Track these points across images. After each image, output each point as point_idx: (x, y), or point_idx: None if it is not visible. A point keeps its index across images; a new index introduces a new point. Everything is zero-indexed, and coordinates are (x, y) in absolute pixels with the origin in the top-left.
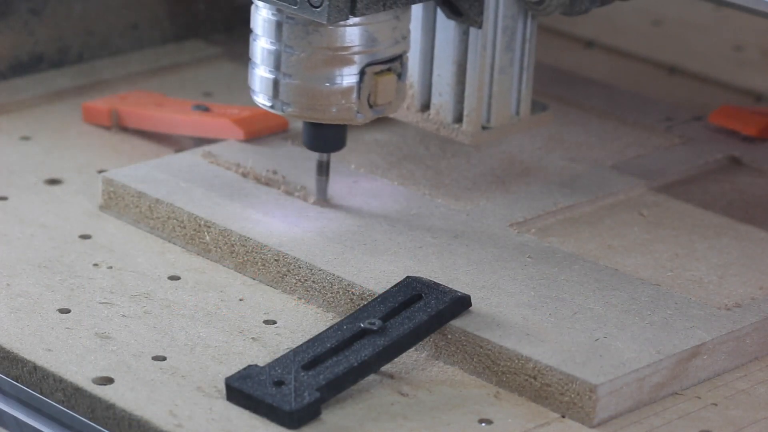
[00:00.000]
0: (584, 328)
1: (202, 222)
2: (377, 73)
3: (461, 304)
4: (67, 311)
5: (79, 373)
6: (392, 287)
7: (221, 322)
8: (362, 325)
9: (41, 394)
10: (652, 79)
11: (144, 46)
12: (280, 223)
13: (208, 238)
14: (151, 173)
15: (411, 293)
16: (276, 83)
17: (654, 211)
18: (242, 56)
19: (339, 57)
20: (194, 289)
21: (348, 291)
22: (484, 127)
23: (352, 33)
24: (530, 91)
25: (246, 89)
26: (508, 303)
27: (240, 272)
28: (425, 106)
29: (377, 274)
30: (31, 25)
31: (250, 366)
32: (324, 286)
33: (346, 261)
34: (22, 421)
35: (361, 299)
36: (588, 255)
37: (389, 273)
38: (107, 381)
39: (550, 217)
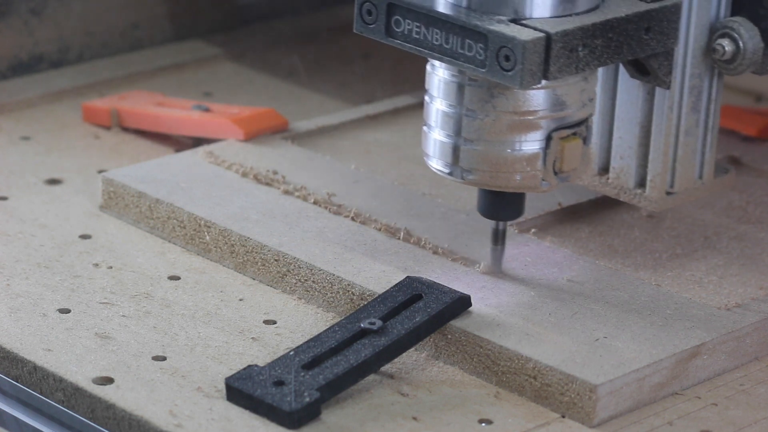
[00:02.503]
0: (584, 328)
1: (202, 222)
2: (563, 138)
3: (461, 304)
4: (67, 311)
5: (79, 373)
6: (392, 287)
7: (221, 322)
8: (362, 325)
9: (41, 394)
10: None
11: (144, 46)
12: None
13: (208, 238)
14: (151, 173)
15: (411, 293)
16: (455, 149)
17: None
18: (242, 56)
19: (525, 122)
20: (194, 289)
21: (348, 291)
22: (667, 193)
23: (540, 96)
24: (714, 154)
25: (246, 89)
26: (508, 303)
27: (240, 272)
28: (604, 169)
29: (377, 274)
30: (31, 25)
31: (250, 366)
32: (324, 286)
33: (346, 261)
34: (22, 421)
35: (361, 299)
36: (588, 255)
37: (389, 273)
38: (107, 381)
39: (550, 217)
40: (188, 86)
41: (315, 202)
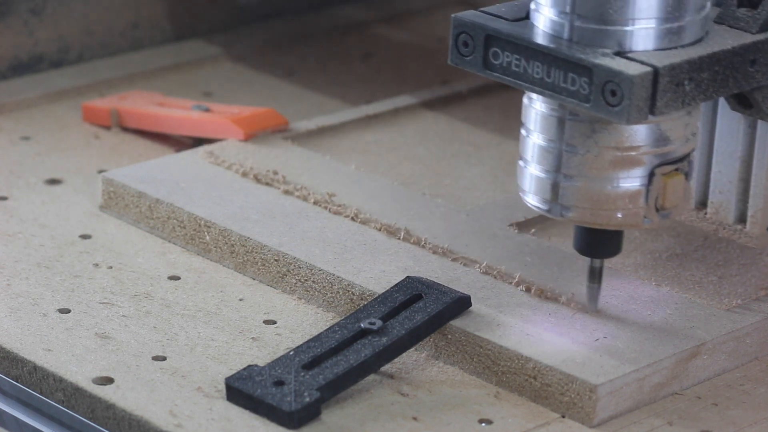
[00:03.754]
0: (584, 328)
1: (202, 222)
2: (666, 175)
3: (461, 304)
4: (67, 311)
5: (79, 373)
6: (392, 287)
7: (221, 322)
8: (362, 325)
9: (41, 394)
10: None
11: (144, 46)
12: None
13: (208, 238)
14: (151, 173)
15: (411, 293)
16: (554, 185)
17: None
18: (242, 56)
19: (628, 157)
20: (194, 289)
21: (348, 291)
22: None
23: (644, 131)
24: None
25: (246, 89)
26: (508, 303)
27: (240, 272)
28: (702, 204)
29: (377, 274)
30: (31, 25)
31: (250, 366)
32: (324, 286)
33: (346, 261)
34: (22, 421)
35: (361, 299)
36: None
37: (389, 273)
38: (107, 381)
39: (550, 217)
40: (188, 86)
41: (315, 202)
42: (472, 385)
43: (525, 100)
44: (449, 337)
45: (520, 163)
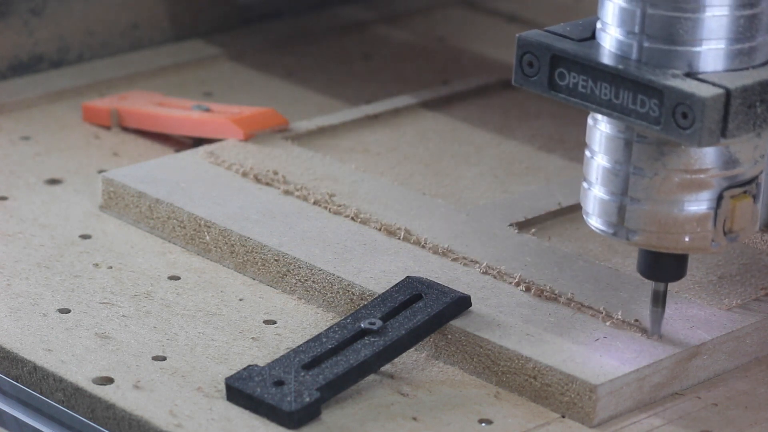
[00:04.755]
0: (584, 328)
1: (202, 222)
2: (734, 197)
3: (461, 304)
4: (67, 311)
5: (79, 373)
6: (392, 287)
7: (221, 322)
8: (362, 325)
9: (41, 394)
10: None
11: (144, 46)
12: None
13: (208, 238)
14: (151, 173)
15: (411, 293)
16: (621, 208)
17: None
18: (242, 56)
19: (697, 180)
20: (194, 289)
21: (348, 291)
22: None
23: (713, 153)
24: None
25: (246, 89)
26: (508, 303)
27: (240, 272)
28: (767, 226)
29: (377, 274)
30: (31, 25)
31: (250, 366)
32: (324, 286)
33: (346, 261)
34: (22, 421)
35: (361, 299)
36: (588, 255)
37: (389, 273)
38: (107, 381)
39: (550, 217)
40: (188, 86)
41: (315, 202)
42: (472, 385)
43: (590, 121)
44: (449, 337)
45: (584, 185)
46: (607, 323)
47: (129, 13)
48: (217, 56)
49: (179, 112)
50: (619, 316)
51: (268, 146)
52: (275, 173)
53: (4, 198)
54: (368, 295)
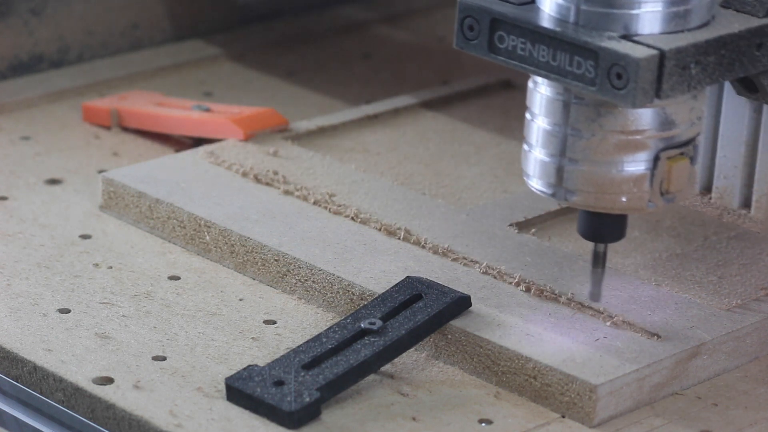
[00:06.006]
0: (584, 328)
1: (202, 222)
2: (671, 159)
3: (461, 304)
4: (67, 311)
5: (79, 373)
6: (392, 287)
7: (221, 322)
8: (362, 325)
9: (41, 394)
10: None
11: (144, 46)
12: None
13: (208, 238)
14: (151, 173)
15: (411, 293)
16: (559, 169)
17: (654, 210)
18: (242, 56)
19: (633, 141)
20: (194, 289)
21: (348, 291)
22: None
23: (649, 115)
24: None
25: (246, 89)
26: (508, 303)
27: (240, 272)
28: (706, 189)
29: (377, 274)
30: (31, 25)
31: (250, 366)
32: (324, 286)
33: (346, 261)
34: (22, 421)
35: (361, 299)
36: (588, 255)
37: (389, 273)
38: (107, 381)
39: (550, 217)
40: (188, 86)
41: (315, 202)
42: (472, 385)
43: (530, 84)
44: (449, 337)
45: (525, 147)
46: (607, 323)
47: (129, 13)
48: (217, 56)
49: (179, 112)
50: (619, 316)
51: (268, 146)
52: (275, 173)
53: (4, 198)
54: (368, 295)
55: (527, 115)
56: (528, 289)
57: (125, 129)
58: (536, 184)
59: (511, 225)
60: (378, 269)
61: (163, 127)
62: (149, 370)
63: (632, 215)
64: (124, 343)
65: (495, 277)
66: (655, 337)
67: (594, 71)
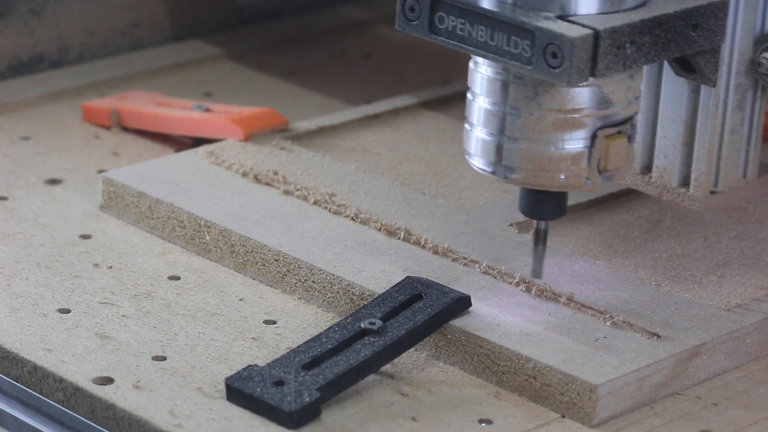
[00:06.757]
0: (584, 328)
1: (202, 222)
2: (608, 137)
3: (461, 304)
4: (67, 311)
5: (79, 373)
6: (392, 287)
7: (221, 322)
8: (362, 325)
9: (41, 394)
10: None
11: (144, 46)
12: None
13: (208, 238)
14: (151, 173)
15: (411, 293)
16: (499, 147)
17: (654, 210)
18: (242, 56)
19: (570, 120)
20: (194, 289)
21: (348, 291)
22: (712, 192)
23: (586, 94)
24: (758, 152)
25: (246, 89)
26: (508, 303)
27: (240, 272)
28: (647, 168)
29: (377, 274)
30: (31, 25)
31: (250, 366)
32: (324, 286)
33: (346, 261)
34: (22, 421)
35: (361, 299)
36: (588, 255)
37: (389, 273)
38: (107, 381)
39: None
40: (188, 86)
41: (315, 202)
42: (472, 385)
43: (471, 64)
44: (449, 337)
45: (466, 126)
46: (607, 323)
47: (129, 13)
48: (217, 56)
49: (179, 112)
50: (619, 316)
51: (268, 146)
52: (275, 173)
53: (4, 198)
54: (368, 295)
55: (468, 95)
56: (528, 289)
57: (125, 129)
58: (477, 162)
59: (511, 225)
60: (378, 269)
61: (163, 127)
62: (149, 370)
63: (571, 191)
64: (124, 343)
65: (495, 277)
66: (655, 337)
67: (530, 51)
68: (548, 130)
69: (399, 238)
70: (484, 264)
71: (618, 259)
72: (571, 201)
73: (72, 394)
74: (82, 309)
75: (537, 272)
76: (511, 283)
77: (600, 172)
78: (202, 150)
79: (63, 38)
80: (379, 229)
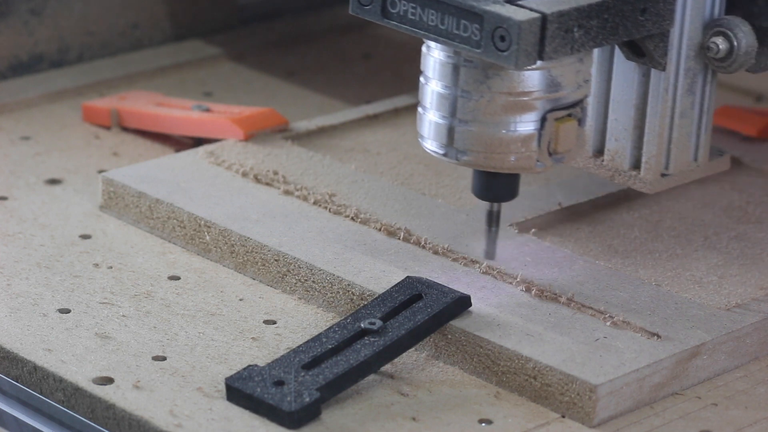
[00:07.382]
0: (584, 328)
1: (202, 222)
2: (558, 120)
3: (461, 304)
4: (67, 311)
5: (79, 373)
6: (392, 287)
7: (221, 322)
8: (362, 325)
9: (41, 394)
10: None
11: (144, 46)
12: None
13: (208, 238)
14: (151, 173)
15: (411, 293)
16: (450, 130)
17: (654, 210)
18: (242, 56)
19: (520, 102)
20: (194, 289)
21: (348, 291)
22: (662, 174)
23: (535, 77)
24: (709, 136)
25: (246, 89)
26: (508, 303)
27: (240, 272)
28: (599, 152)
29: (377, 274)
30: (31, 25)
31: (250, 366)
32: (324, 286)
33: (346, 261)
34: (22, 421)
35: (361, 299)
36: (588, 255)
37: (389, 273)
38: (107, 381)
39: (550, 217)
40: (188, 86)
41: (315, 202)
42: (472, 385)
43: (424, 48)
44: (449, 337)
45: (420, 110)
46: (607, 323)
47: (129, 13)
48: (217, 56)
49: (179, 112)
50: (619, 316)
51: (268, 146)
52: (275, 173)
53: (4, 198)
54: (368, 295)
55: (421, 79)
56: (528, 289)
57: (125, 129)
58: (430, 145)
59: (511, 225)
60: (378, 269)
61: (163, 127)
62: (149, 370)
63: (524, 174)
64: (124, 343)
65: (495, 277)
66: (655, 337)
67: (479, 34)
68: (498, 113)
69: (399, 238)
70: (484, 264)
71: (618, 259)
72: (572, 201)
73: (72, 394)
74: (82, 309)
75: (490, 253)
76: (511, 283)
77: (550, 154)
78: (202, 150)
79: (63, 38)
80: (379, 229)
